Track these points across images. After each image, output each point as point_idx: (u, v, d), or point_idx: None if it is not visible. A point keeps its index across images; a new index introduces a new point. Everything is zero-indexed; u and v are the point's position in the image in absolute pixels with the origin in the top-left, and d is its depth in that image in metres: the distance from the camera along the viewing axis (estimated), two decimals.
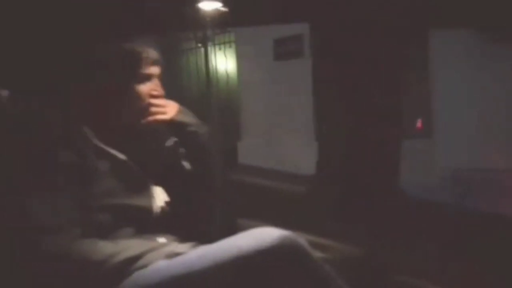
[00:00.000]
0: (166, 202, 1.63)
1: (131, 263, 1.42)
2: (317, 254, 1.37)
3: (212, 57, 7.17)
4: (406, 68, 2.26)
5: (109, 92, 1.58)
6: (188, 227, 1.62)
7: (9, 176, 1.50)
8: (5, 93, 1.77)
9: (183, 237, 1.59)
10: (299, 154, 6.20)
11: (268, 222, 1.54)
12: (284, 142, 6.55)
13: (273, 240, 1.31)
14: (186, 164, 1.69)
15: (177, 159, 1.68)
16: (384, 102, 2.19)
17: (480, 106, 5.26)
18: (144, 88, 1.61)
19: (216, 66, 7.07)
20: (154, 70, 1.63)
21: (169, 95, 1.69)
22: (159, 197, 1.63)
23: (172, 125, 1.65)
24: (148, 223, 1.57)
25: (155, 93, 1.62)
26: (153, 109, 1.62)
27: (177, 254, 1.45)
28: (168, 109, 1.65)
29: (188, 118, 1.68)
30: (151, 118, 1.62)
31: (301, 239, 1.35)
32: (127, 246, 1.46)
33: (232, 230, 1.50)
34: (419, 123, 5.56)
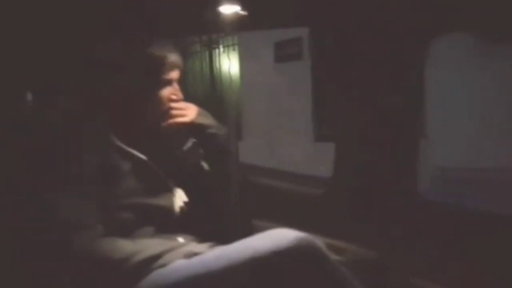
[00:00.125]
0: (185, 203, 1.67)
1: (150, 262, 1.46)
2: (332, 256, 1.40)
3: (216, 60, 7.25)
4: (413, 68, 2.26)
5: (132, 96, 1.61)
6: (205, 227, 1.66)
7: (35, 175, 1.55)
8: (29, 96, 1.81)
9: (201, 237, 1.62)
10: (298, 154, 6.24)
11: (279, 223, 1.57)
12: (284, 142, 6.59)
13: (290, 241, 1.34)
14: (205, 165, 1.72)
15: (196, 160, 1.71)
16: (396, 103, 2.20)
17: (473, 106, 5.29)
18: (165, 92, 1.64)
19: (220, 68, 7.11)
20: (175, 74, 1.67)
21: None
22: (179, 197, 1.67)
23: (192, 127, 1.69)
24: (168, 223, 1.61)
25: (174, 97, 1.66)
26: (174, 112, 1.66)
27: (195, 254, 1.49)
28: (189, 112, 1.69)
29: (208, 120, 1.72)
30: (172, 121, 1.66)
31: (318, 240, 1.38)
32: (147, 245, 1.49)
33: (248, 231, 1.54)
34: None
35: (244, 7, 1.95)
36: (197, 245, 1.58)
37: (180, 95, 1.68)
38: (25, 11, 1.90)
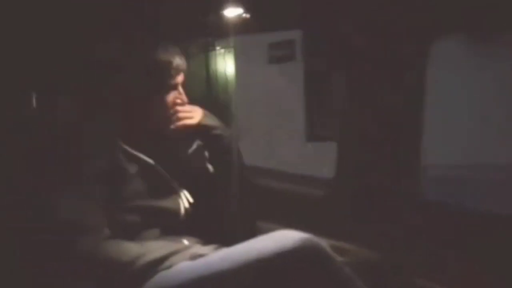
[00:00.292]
0: (190, 204, 1.67)
1: (156, 265, 1.46)
2: (336, 257, 1.40)
3: (212, 62, 7.34)
4: (413, 68, 2.25)
5: (133, 97, 1.62)
6: (210, 229, 1.66)
7: (41, 177, 1.55)
8: (30, 96, 1.81)
9: (206, 239, 1.63)
10: (290, 154, 6.28)
11: (281, 225, 1.57)
12: (276, 142, 6.64)
13: (294, 242, 1.35)
14: (210, 167, 1.73)
15: (201, 163, 1.72)
16: (396, 103, 2.19)
17: (466, 104, 5.31)
18: (170, 96, 1.65)
19: (216, 70, 7.18)
20: (180, 78, 1.67)
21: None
22: (184, 199, 1.67)
23: (198, 129, 1.69)
24: (173, 225, 1.61)
25: (179, 101, 1.67)
26: (181, 114, 1.66)
27: (200, 256, 1.49)
28: (195, 114, 1.70)
29: (213, 121, 1.73)
30: (180, 123, 1.66)
31: (322, 242, 1.38)
32: (153, 248, 1.50)
33: (252, 232, 1.54)
34: None
35: (247, 10, 1.95)
36: (201, 247, 1.58)
37: (184, 99, 1.69)
38: (25, 11, 1.89)
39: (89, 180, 1.51)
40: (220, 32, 2.34)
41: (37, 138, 1.86)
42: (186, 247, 1.56)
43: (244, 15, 1.98)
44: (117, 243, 1.48)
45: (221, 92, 7.15)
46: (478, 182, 4.72)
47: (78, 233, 1.44)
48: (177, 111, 1.66)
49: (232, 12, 1.98)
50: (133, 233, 1.53)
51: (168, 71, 1.62)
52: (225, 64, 7.26)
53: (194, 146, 1.71)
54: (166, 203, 1.62)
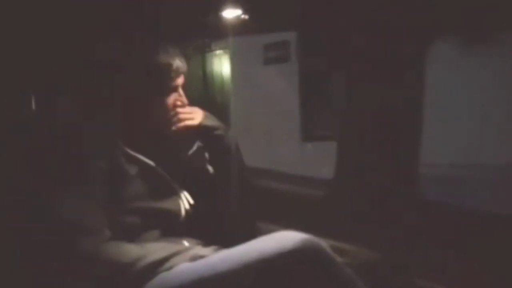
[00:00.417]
0: (191, 206, 1.67)
1: (156, 266, 1.46)
2: (337, 258, 1.40)
3: (208, 63, 7.40)
4: (413, 68, 2.25)
5: (133, 97, 1.61)
6: (210, 230, 1.66)
7: (41, 177, 1.55)
8: (30, 97, 1.82)
9: (206, 241, 1.63)
10: (286, 154, 6.30)
11: (280, 225, 1.57)
12: (272, 142, 6.67)
13: (295, 243, 1.34)
14: (210, 169, 1.73)
15: (202, 164, 1.72)
16: (396, 103, 2.19)
17: (466, 104, 5.31)
18: (171, 99, 1.65)
19: (212, 71, 7.26)
20: (180, 81, 1.67)
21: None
22: (185, 201, 1.67)
23: (200, 130, 1.69)
24: (174, 227, 1.61)
25: (179, 103, 1.67)
26: (182, 116, 1.66)
27: (200, 257, 1.49)
28: (196, 115, 1.70)
29: (214, 122, 1.73)
30: (182, 124, 1.66)
31: (323, 242, 1.38)
32: (153, 249, 1.50)
33: (252, 234, 1.53)
34: None
35: (245, 11, 1.95)
36: (202, 249, 1.58)
37: (185, 101, 1.69)
38: (25, 11, 1.89)
39: (89, 180, 1.50)
40: (218, 33, 2.34)
41: (37, 138, 1.86)
42: (187, 249, 1.56)
43: (242, 16, 1.98)
44: (118, 245, 1.47)
45: (218, 93, 7.23)
46: (478, 182, 4.72)
47: (79, 233, 1.44)
48: (177, 113, 1.66)
49: (231, 13, 1.98)
50: (133, 235, 1.53)
51: (168, 73, 1.62)
52: (221, 65, 7.34)
53: (194, 147, 1.72)
54: (166, 204, 1.61)
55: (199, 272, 1.42)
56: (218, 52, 7.29)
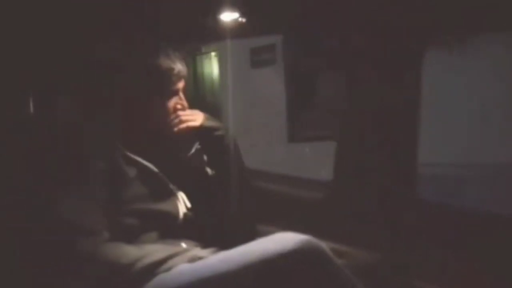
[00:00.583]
0: (188, 208, 1.67)
1: (155, 267, 1.46)
2: (336, 259, 1.40)
3: (199, 65, 7.48)
4: (413, 68, 2.25)
5: (133, 97, 1.62)
6: (208, 232, 1.66)
7: (41, 177, 1.55)
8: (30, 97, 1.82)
9: (204, 243, 1.63)
10: (273, 155, 6.33)
11: (279, 227, 1.56)
12: (259, 143, 6.71)
13: (294, 244, 1.34)
14: (209, 171, 1.73)
15: (201, 166, 1.72)
16: (398, 103, 2.19)
17: (466, 104, 5.31)
18: (171, 102, 1.66)
19: (203, 73, 7.36)
20: (181, 84, 1.67)
21: None
22: (183, 203, 1.67)
23: (201, 131, 1.70)
24: (172, 229, 1.61)
25: (179, 106, 1.67)
26: (184, 117, 1.67)
27: (199, 259, 1.49)
28: (196, 117, 1.70)
29: (215, 123, 1.73)
30: (183, 125, 1.67)
31: (323, 244, 1.38)
32: (152, 250, 1.49)
33: (251, 236, 1.54)
34: None
35: (243, 14, 1.95)
36: (200, 250, 1.58)
37: (185, 104, 1.69)
38: (25, 11, 1.89)
39: (89, 180, 1.51)
40: (216, 36, 2.35)
41: (37, 138, 1.86)
42: (185, 250, 1.56)
43: (240, 19, 1.98)
44: (116, 246, 1.47)
45: (208, 95, 7.32)
46: (478, 182, 4.71)
47: (78, 233, 1.44)
48: (178, 116, 1.67)
49: (228, 16, 1.98)
50: (132, 236, 1.53)
51: (170, 77, 1.62)
52: (211, 68, 7.45)
53: (193, 149, 1.72)
54: (164, 206, 1.61)
55: (198, 273, 1.42)
56: (208, 54, 7.41)
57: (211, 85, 7.58)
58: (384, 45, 2.23)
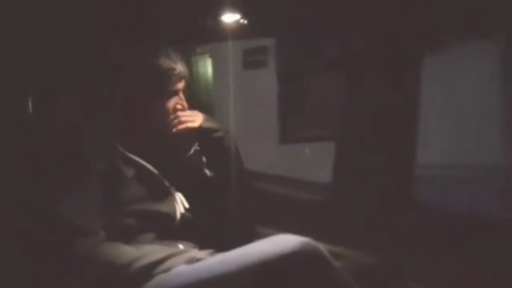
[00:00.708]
0: (186, 209, 1.67)
1: (153, 268, 1.46)
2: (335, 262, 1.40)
3: (193, 66, 7.52)
4: (413, 68, 2.25)
5: (133, 97, 1.62)
6: (206, 234, 1.66)
7: (41, 177, 1.55)
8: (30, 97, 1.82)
9: (201, 244, 1.63)
10: (264, 156, 6.36)
11: (277, 229, 1.56)
12: (250, 144, 6.75)
13: (293, 246, 1.34)
14: (208, 172, 1.74)
15: (199, 167, 1.72)
16: (398, 103, 2.19)
17: (465, 104, 5.32)
18: (171, 102, 1.66)
19: (198, 73, 7.42)
20: (181, 85, 1.68)
21: None
22: (181, 204, 1.67)
23: (200, 132, 1.70)
24: (169, 229, 1.61)
25: (179, 107, 1.68)
26: (183, 118, 1.67)
27: (197, 260, 1.50)
28: (196, 118, 1.70)
29: (214, 124, 1.74)
30: (182, 126, 1.67)
31: (321, 246, 1.38)
32: (150, 251, 1.50)
33: (250, 237, 1.54)
34: None
35: (244, 16, 1.95)
36: (198, 252, 1.58)
37: (185, 105, 1.70)
38: (25, 11, 1.89)
39: (89, 180, 1.51)
40: (216, 37, 2.34)
41: (37, 138, 1.86)
42: (183, 251, 1.56)
43: (241, 20, 1.98)
44: (114, 246, 1.48)
45: (203, 95, 7.36)
46: (475, 183, 4.72)
47: (77, 233, 1.45)
48: (177, 116, 1.67)
49: (229, 18, 1.98)
50: (129, 237, 1.53)
51: (170, 77, 1.63)
52: (205, 68, 7.49)
53: (192, 150, 1.72)
54: (162, 207, 1.62)
55: (197, 274, 1.42)
56: (203, 55, 7.47)
57: (205, 85, 7.63)
58: (384, 46, 2.23)
